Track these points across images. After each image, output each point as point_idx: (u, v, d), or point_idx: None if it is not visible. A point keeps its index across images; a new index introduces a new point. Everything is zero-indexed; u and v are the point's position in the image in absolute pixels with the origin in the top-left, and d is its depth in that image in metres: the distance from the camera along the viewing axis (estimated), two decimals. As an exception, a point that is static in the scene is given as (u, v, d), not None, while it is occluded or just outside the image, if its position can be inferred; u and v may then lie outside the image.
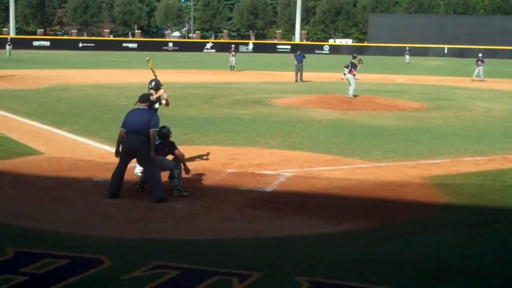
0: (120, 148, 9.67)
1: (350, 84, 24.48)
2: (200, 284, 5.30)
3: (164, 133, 10.04)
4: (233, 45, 46.90)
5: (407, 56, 64.10)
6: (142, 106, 9.79)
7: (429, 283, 5.68)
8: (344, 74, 25.27)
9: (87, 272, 5.58)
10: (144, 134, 9.42)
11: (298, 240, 7.75)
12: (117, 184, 9.57)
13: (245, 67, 44.93)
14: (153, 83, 11.34)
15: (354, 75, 24.75)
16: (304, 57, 35.10)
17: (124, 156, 9.62)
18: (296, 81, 34.48)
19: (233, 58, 42.50)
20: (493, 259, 6.62)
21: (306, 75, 35.34)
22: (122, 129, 9.61)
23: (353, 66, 25.16)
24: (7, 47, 57.80)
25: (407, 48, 67.66)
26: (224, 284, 5.39)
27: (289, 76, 35.80)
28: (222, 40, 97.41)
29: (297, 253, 7.00)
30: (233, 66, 42.34)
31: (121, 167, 9.62)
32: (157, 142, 9.74)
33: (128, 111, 9.95)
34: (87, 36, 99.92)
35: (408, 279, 5.79)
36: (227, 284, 5.38)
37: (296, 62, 35.05)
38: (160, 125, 9.87)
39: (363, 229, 8.28)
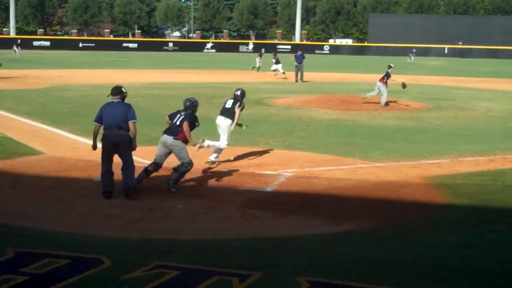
0: (101, 145, 9.68)
1: (382, 94, 22.42)
2: (200, 284, 5.30)
3: (187, 106, 10.39)
4: (263, 49, 45.36)
5: (412, 56, 63.07)
6: (115, 99, 9.74)
7: (429, 283, 5.68)
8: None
9: (87, 272, 5.59)
10: (124, 127, 9.47)
11: (298, 240, 7.75)
12: (109, 184, 9.58)
13: (246, 67, 44.90)
14: None
15: (385, 83, 22.47)
16: (303, 57, 35.06)
17: (107, 151, 9.59)
18: (296, 81, 34.44)
19: (259, 59, 42.08)
20: (493, 259, 6.61)
21: (306, 75, 35.33)
22: (96, 124, 9.67)
23: (387, 75, 22.89)
24: (17, 49, 56.71)
25: (413, 50, 66.27)
26: (224, 284, 5.39)
27: (289, 76, 35.80)
28: (222, 40, 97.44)
29: (297, 253, 7.00)
30: (259, 67, 41.93)
31: (107, 165, 9.60)
32: (182, 115, 10.17)
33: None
34: (87, 36, 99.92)
35: (408, 279, 5.79)
36: (227, 284, 5.38)
37: (296, 63, 34.93)
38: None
39: (363, 229, 8.28)
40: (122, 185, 9.60)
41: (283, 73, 36.94)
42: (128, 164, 9.61)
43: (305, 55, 35.82)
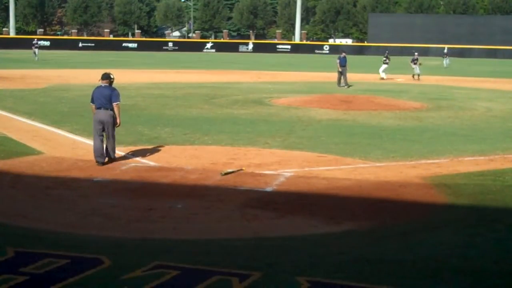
0: (93, 119, 11.89)
1: None
2: (200, 284, 5.31)
3: None
4: (416, 53, 41.61)
5: (446, 59, 54.65)
6: (103, 83, 11.81)
7: (429, 283, 5.68)
8: None
9: (87, 272, 5.59)
10: (109, 108, 11.66)
11: (298, 240, 7.74)
12: (102, 156, 11.60)
13: (245, 67, 44.93)
14: None
15: None
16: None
17: (95, 127, 11.77)
18: (339, 85, 31.85)
19: (416, 66, 39.39)
20: (493, 259, 6.62)
21: (307, 75, 35.29)
22: (92, 104, 11.90)
23: None
24: (34, 49, 53.01)
25: (445, 49, 57.16)
26: (224, 284, 5.39)
27: (289, 76, 35.77)
28: (222, 40, 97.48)
29: (297, 253, 7.00)
30: (418, 74, 39.17)
31: (98, 136, 11.70)
32: None
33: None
34: (87, 36, 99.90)
35: (408, 279, 5.79)
36: (227, 284, 5.38)
37: (340, 67, 32.21)
38: None
39: (363, 229, 8.28)
40: (105, 153, 11.73)
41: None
42: (110, 138, 11.72)
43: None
